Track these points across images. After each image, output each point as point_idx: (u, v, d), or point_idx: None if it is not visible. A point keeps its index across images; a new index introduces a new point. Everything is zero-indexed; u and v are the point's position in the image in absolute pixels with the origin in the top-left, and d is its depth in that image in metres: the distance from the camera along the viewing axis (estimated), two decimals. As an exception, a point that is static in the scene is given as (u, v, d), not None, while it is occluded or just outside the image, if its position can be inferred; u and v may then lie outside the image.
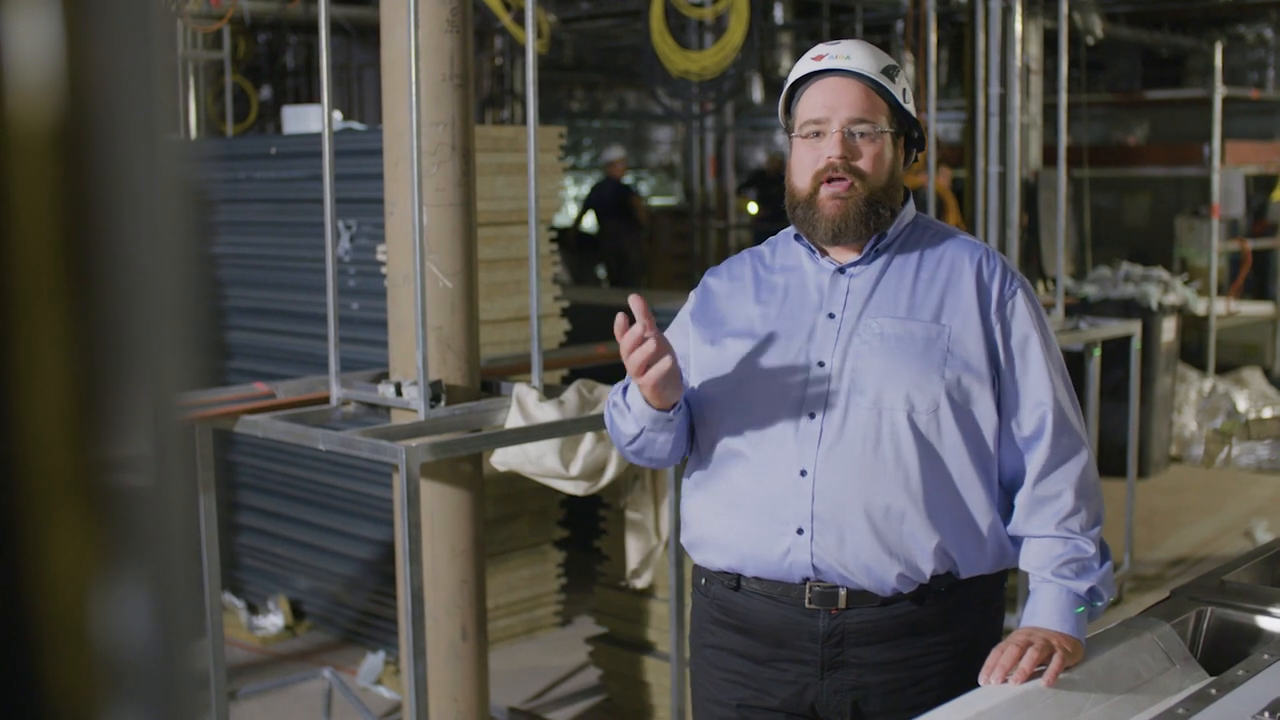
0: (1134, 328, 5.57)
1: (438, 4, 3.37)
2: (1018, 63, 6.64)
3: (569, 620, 5.16)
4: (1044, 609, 1.98)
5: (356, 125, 5.45)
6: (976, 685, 1.89)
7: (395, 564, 4.13)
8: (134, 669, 0.43)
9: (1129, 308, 7.33)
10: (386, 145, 3.52)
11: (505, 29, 8.21)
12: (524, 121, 4.40)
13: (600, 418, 3.53)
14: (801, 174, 2.06)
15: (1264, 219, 9.97)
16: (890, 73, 2.06)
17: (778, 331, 2.08)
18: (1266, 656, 1.98)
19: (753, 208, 12.33)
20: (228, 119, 8.56)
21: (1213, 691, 1.88)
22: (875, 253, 2.09)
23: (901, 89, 2.07)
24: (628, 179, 12.64)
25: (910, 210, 2.13)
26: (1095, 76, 11.70)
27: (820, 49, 2.10)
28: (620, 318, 1.97)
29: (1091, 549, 2.01)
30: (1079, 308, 6.62)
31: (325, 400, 3.69)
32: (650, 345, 1.94)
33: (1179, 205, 10.11)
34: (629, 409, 2.09)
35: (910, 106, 2.09)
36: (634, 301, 1.96)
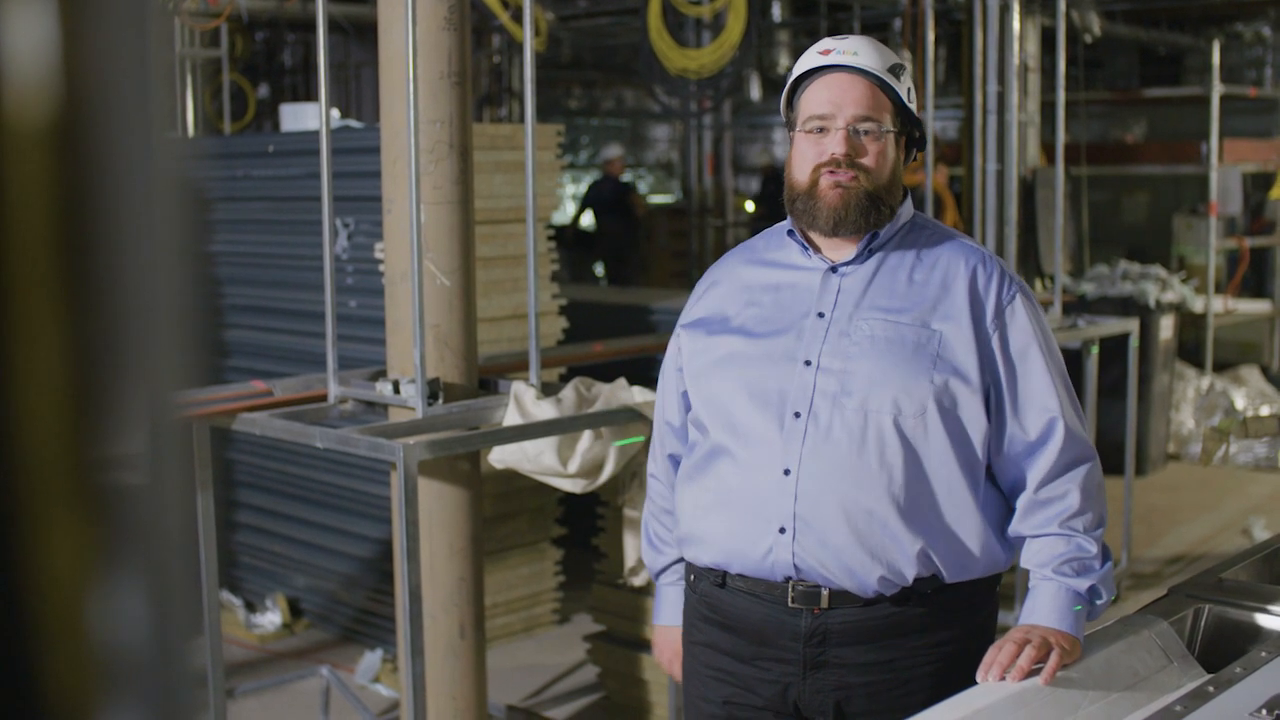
0: (1132, 325, 5.57)
1: (435, 2, 3.36)
2: (1015, 60, 6.64)
3: (567, 618, 5.16)
4: (1043, 606, 1.97)
5: (354, 123, 5.45)
6: (966, 688, 1.88)
7: (393, 562, 4.13)
8: (131, 667, 0.43)
9: (1127, 305, 7.32)
10: (384, 143, 3.52)
11: (503, 27, 8.21)
12: (522, 119, 4.40)
13: (597, 416, 3.54)
14: (802, 167, 2.04)
15: (1262, 217, 9.96)
16: (896, 71, 2.04)
17: (767, 330, 2.06)
18: (1264, 654, 1.98)
19: (750, 205, 12.32)
20: (225, 117, 8.57)
21: (1210, 689, 1.88)
22: (869, 252, 2.06)
23: (906, 88, 2.05)
24: (626, 177, 12.63)
25: (908, 210, 2.10)
26: (1093, 74, 11.71)
27: (827, 43, 2.07)
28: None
29: (1094, 549, 2.00)
30: (1077, 305, 6.62)
31: (323, 398, 3.69)
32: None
33: (1177, 203, 10.10)
34: (656, 578, 2.36)
35: (913, 106, 2.07)
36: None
